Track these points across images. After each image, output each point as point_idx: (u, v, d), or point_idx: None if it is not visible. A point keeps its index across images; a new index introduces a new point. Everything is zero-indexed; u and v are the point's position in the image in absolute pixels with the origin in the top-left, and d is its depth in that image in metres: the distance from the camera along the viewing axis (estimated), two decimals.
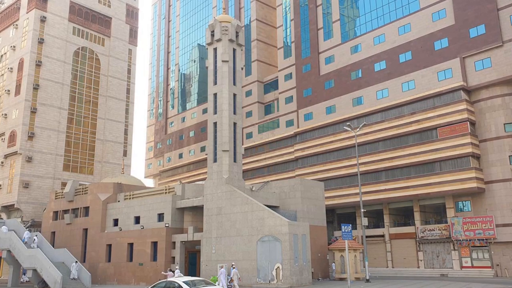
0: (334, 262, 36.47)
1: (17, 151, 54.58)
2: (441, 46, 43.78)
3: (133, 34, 70.86)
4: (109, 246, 40.35)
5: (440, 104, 42.65)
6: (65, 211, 45.65)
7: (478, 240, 39.32)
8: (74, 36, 62.89)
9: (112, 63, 66.25)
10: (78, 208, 44.48)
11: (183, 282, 18.40)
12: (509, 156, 39.49)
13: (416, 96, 44.43)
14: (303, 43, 57.60)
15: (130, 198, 41.44)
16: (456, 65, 42.25)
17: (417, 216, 44.62)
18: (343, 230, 30.74)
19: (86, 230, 42.96)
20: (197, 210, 36.73)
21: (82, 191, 44.53)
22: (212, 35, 36.58)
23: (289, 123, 57.17)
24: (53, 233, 46.18)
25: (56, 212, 47.01)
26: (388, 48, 48.04)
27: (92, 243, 41.63)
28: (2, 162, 56.39)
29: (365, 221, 35.27)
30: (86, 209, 43.54)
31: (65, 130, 59.31)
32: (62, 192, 46.45)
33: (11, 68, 59.92)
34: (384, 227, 47.15)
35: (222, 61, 35.51)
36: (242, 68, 37.74)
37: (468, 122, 40.58)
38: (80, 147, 60.84)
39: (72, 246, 42.43)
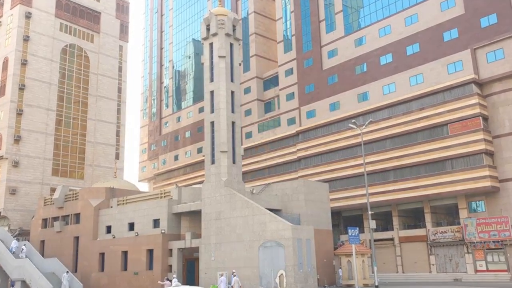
0: (340, 267, 36.53)
1: (2, 156, 54.65)
2: (450, 37, 43.80)
3: (124, 30, 70.97)
4: (102, 254, 40.41)
5: (450, 99, 42.67)
6: (55, 219, 45.72)
7: (493, 242, 39.34)
8: (61, 32, 63.01)
9: (102, 60, 66.36)
10: (68, 215, 44.55)
11: None
12: None
13: (425, 90, 44.44)
14: (304, 36, 57.65)
15: (123, 204, 41.51)
16: (466, 57, 42.27)
17: (428, 217, 44.65)
18: (349, 234, 30.78)
19: (77, 238, 43.02)
20: (195, 215, 36.78)
21: (73, 196, 44.61)
22: (208, 30, 36.65)
23: (291, 121, 57.22)
24: (43, 241, 46.23)
25: (45, 220, 47.07)
26: (395, 40, 48.07)
27: (84, 251, 41.70)
28: None
29: (373, 223, 35.31)
30: (77, 215, 43.62)
31: (54, 132, 59.41)
32: (51, 198, 46.51)
33: None
34: (393, 230, 47.18)
35: (219, 56, 35.58)
36: (240, 64, 37.82)
37: (480, 117, 40.59)
38: (70, 150, 60.93)
39: (62, 255, 42.48)
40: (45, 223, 47.10)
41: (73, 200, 44.38)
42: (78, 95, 63.28)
